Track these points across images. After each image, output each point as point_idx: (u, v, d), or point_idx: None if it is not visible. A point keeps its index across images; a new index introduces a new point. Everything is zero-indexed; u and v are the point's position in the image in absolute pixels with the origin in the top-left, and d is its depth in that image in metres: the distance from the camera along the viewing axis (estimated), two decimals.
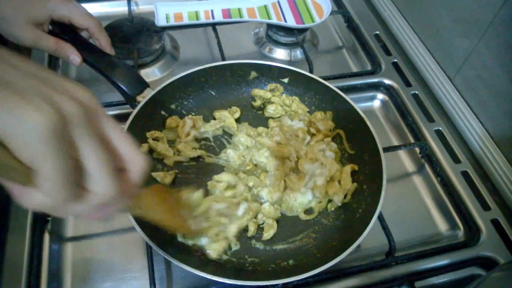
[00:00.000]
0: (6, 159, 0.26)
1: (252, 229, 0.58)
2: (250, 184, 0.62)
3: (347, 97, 0.66)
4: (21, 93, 0.26)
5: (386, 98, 0.82)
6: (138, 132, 0.62)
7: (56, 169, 0.27)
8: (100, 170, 0.29)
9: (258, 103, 0.72)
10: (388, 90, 0.82)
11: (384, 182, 0.57)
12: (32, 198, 0.29)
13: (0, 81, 0.26)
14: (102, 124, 0.30)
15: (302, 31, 0.87)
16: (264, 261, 0.57)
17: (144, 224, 0.51)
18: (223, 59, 0.77)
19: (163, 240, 0.52)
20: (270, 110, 0.71)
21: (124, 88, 0.64)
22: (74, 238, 0.60)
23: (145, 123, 0.64)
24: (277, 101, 0.71)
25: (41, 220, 0.59)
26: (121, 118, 0.70)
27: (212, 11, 0.86)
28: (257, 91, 0.71)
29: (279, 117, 0.71)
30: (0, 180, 0.28)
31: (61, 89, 0.28)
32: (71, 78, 0.79)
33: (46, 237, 0.59)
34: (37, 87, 0.27)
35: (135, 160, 0.32)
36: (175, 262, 0.48)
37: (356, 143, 0.67)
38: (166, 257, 0.49)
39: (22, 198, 0.29)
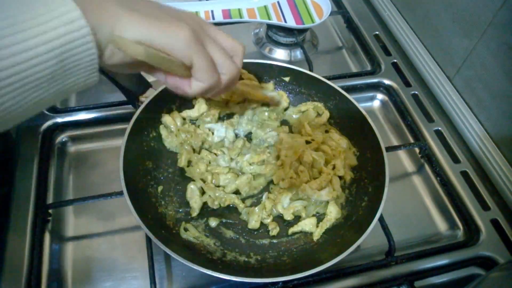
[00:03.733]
0: (171, 60, 0.41)
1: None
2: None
3: (349, 95, 0.67)
4: (164, 20, 0.39)
5: (386, 98, 0.82)
6: (141, 131, 0.62)
7: (204, 61, 0.42)
8: (223, 58, 0.45)
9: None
10: (387, 90, 0.82)
11: (387, 180, 0.57)
12: (192, 85, 0.45)
13: (149, 15, 0.39)
14: (212, 32, 0.46)
15: (302, 31, 0.87)
16: (268, 259, 0.57)
17: (150, 223, 0.52)
18: None
19: (166, 238, 0.52)
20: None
21: (127, 88, 0.64)
22: (75, 238, 0.60)
23: (148, 123, 0.64)
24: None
25: (41, 220, 0.59)
26: (124, 118, 0.70)
27: (212, 11, 0.86)
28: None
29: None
30: (168, 72, 0.43)
31: (182, 14, 0.43)
32: None
33: (47, 237, 0.59)
34: (170, 15, 0.41)
35: (237, 49, 0.48)
36: (179, 259, 0.48)
37: (357, 141, 0.67)
38: (172, 255, 0.49)
39: (184, 87, 0.45)
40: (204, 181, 0.62)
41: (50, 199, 0.63)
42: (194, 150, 0.66)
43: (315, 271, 0.49)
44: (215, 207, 0.60)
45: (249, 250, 0.58)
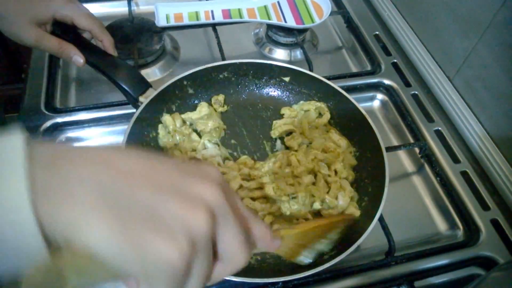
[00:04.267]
0: (107, 276, 0.26)
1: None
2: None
3: (348, 95, 0.67)
4: (152, 226, 0.25)
5: (386, 98, 0.82)
6: (141, 131, 0.62)
7: None
8: (198, 278, 0.28)
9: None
10: (387, 90, 0.82)
11: (387, 180, 0.57)
12: None
13: (124, 206, 0.25)
14: (222, 227, 0.28)
15: (302, 31, 0.87)
16: (268, 259, 0.57)
17: None
18: (223, 59, 0.78)
19: None
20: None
21: (127, 88, 0.64)
22: None
23: (147, 124, 0.64)
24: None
25: None
26: (124, 118, 0.70)
27: (212, 11, 0.86)
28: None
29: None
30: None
31: (192, 192, 0.27)
32: (71, 79, 0.80)
33: None
34: (167, 205, 0.26)
35: (265, 236, 0.33)
36: None
37: (357, 141, 0.67)
38: None
39: None
40: None
41: None
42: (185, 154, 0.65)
43: (315, 271, 0.49)
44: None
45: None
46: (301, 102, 0.72)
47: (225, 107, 0.72)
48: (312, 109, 0.70)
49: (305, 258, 0.45)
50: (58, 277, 0.24)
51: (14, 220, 0.23)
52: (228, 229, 0.29)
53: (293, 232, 0.41)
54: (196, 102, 0.71)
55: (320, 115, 0.71)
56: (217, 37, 0.82)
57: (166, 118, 0.66)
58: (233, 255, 0.30)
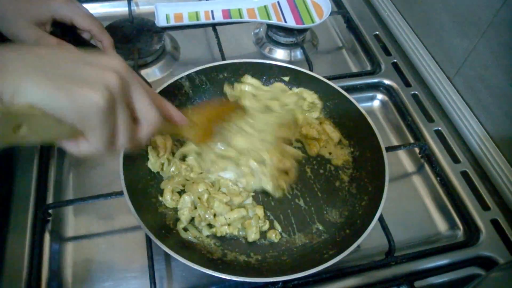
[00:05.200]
0: (59, 127, 0.33)
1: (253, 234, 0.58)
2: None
3: (348, 95, 0.67)
4: (77, 80, 0.33)
5: (386, 98, 0.82)
6: None
7: (105, 132, 0.36)
8: (124, 130, 0.37)
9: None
10: (387, 90, 0.82)
11: (387, 179, 0.57)
12: (80, 148, 0.37)
13: (58, 73, 0.32)
14: (132, 88, 0.38)
15: (302, 31, 0.87)
16: (268, 258, 0.57)
17: (148, 222, 0.52)
18: (223, 59, 0.78)
19: (166, 238, 0.52)
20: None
21: None
22: (75, 238, 0.60)
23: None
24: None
25: (41, 220, 0.59)
26: None
27: (212, 11, 0.86)
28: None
29: None
30: (50, 140, 0.36)
31: (103, 65, 0.35)
32: None
33: (47, 237, 0.59)
34: (87, 71, 0.34)
35: (149, 119, 0.40)
36: (179, 259, 0.48)
37: (357, 141, 0.67)
38: (172, 254, 0.49)
39: (69, 147, 0.37)
40: (199, 197, 0.59)
41: (50, 199, 0.63)
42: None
43: (315, 271, 0.49)
44: (200, 227, 0.58)
45: (249, 249, 0.58)
46: (301, 88, 0.72)
47: None
48: (307, 100, 0.71)
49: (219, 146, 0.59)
50: (10, 125, 0.31)
51: None
52: (138, 92, 0.38)
53: (194, 113, 0.52)
54: (197, 101, 0.71)
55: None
56: (217, 37, 0.82)
57: (157, 138, 0.62)
58: (147, 114, 0.39)
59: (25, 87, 0.31)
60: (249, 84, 0.71)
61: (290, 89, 0.72)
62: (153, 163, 0.62)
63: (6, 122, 0.31)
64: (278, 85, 0.72)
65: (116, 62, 0.37)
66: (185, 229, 0.58)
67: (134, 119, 0.39)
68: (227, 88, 0.70)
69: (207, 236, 0.58)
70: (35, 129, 0.32)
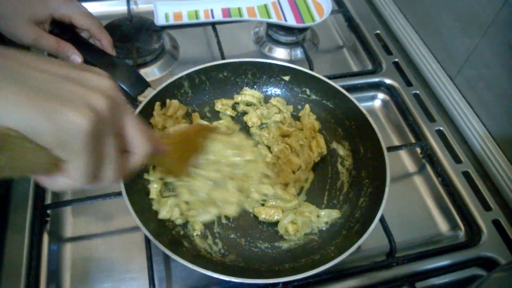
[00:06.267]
0: (38, 154, 0.28)
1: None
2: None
3: (349, 95, 0.66)
4: (60, 100, 0.28)
5: (387, 97, 0.81)
6: None
7: (88, 163, 0.30)
8: (110, 162, 0.33)
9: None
10: (389, 89, 0.82)
11: (388, 180, 0.56)
12: (57, 183, 0.32)
13: (38, 89, 0.28)
14: (120, 115, 0.33)
15: (302, 30, 0.86)
16: (267, 260, 0.57)
17: (150, 225, 0.51)
18: (223, 58, 0.77)
19: (166, 239, 0.52)
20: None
21: (125, 88, 0.63)
22: (73, 239, 0.60)
23: (146, 123, 0.64)
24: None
25: (40, 220, 0.59)
26: None
27: (211, 10, 0.86)
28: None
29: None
30: (25, 174, 0.30)
31: (90, 85, 0.31)
32: None
33: (45, 237, 0.59)
34: (72, 90, 0.29)
35: (140, 150, 0.36)
36: (178, 260, 0.48)
37: (358, 141, 0.66)
38: (171, 255, 0.48)
39: (46, 183, 0.32)
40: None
41: (48, 200, 0.62)
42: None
43: (316, 272, 0.49)
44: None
45: (250, 250, 0.57)
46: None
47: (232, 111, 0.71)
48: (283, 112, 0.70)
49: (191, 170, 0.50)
50: None
51: None
52: (129, 118, 0.34)
53: (173, 139, 0.47)
54: (196, 101, 0.70)
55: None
56: (217, 36, 0.82)
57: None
58: (140, 144, 0.35)
59: (5, 105, 0.26)
60: (248, 95, 0.70)
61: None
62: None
63: None
64: (274, 101, 0.71)
65: (106, 82, 0.32)
66: (185, 230, 0.58)
67: (122, 150, 0.35)
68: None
69: (207, 237, 0.58)
70: (12, 156, 0.27)
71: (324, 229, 0.60)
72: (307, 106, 0.72)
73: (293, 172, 0.64)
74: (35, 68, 0.29)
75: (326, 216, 0.60)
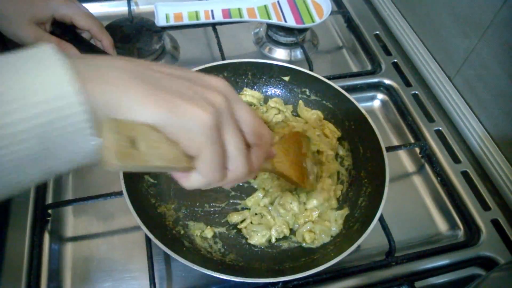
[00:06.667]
0: (169, 151, 0.31)
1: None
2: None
3: (349, 95, 0.66)
4: (182, 97, 0.30)
5: (386, 98, 0.82)
6: None
7: (214, 155, 0.32)
8: (237, 151, 0.34)
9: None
10: (388, 90, 0.82)
11: (387, 179, 0.57)
12: (191, 180, 0.35)
13: (162, 87, 0.30)
14: (237, 110, 0.35)
15: (302, 31, 0.87)
16: (267, 260, 0.57)
17: (150, 224, 0.51)
18: (223, 59, 0.77)
19: (166, 238, 0.52)
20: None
21: None
22: (74, 238, 0.60)
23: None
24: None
25: (41, 220, 0.59)
26: None
27: (212, 11, 0.86)
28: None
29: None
30: (165, 170, 0.32)
31: (206, 84, 0.33)
32: None
33: (46, 237, 0.59)
34: (191, 89, 0.32)
35: (262, 137, 0.37)
36: (179, 259, 0.48)
37: (358, 141, 0.67)
38: (171, 255, 0.48)
39: (182, 181, 0.35)
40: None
41: (49, 199, 0.63)
42: None
43: (315, 271, 0.49)
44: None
45: (249, 250, 0.58)
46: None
47: None
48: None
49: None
50: (123, 136, 0.28)
51: (61, 106, 0.26)
52: (245, 112, 0.35)
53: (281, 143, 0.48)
54: None
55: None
56: (217, 36, 0.82)
57: None
58: (260, 135, 0.36)
59: (127, 101, 0.29)
60: (249, 96, 0.71)
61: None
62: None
63: (118, 131, 0.28)
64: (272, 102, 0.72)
65: (221, 83, 0.35)
66: (185, 229, 0.58)
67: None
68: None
69: (207, 237, 0.58)
70: (149, 146, 0.29)
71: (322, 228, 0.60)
72: (300, 102, 0.72)
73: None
74: (153, 70, 0.32)
75: (339, 217, 0.60)
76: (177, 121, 0.30)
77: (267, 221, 0.59)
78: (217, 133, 0.32)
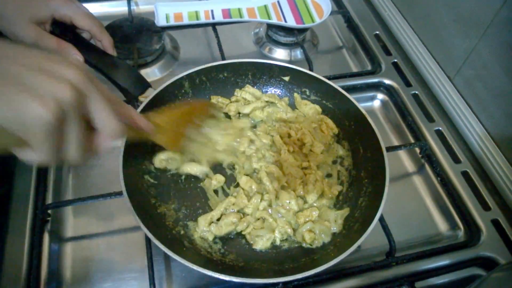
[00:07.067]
0: (4, 136, 0.33)
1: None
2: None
3: (348, 95, 0.66)
4: (27, 90, 0.31)
5: (386, 98, 0.82)
6: None
7: (48, 148, 0.34)
8: (76, 146, 0.36)
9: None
10: (388, 90, 0.82)
11: (387, 179, 0.57)
12: (27, 156, 0.36)
13: (5, 79, 0.31)
14: (89, 102, 0.36)
15: (302, 31, 0.87)
16: (267, 260, 0.57)
17: (150, 224, 0.51)
18: (223, 59, 0.77)
19: (166, 239, 0.52)
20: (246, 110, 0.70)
21: (126, 88, 0.64)
22: (74, 238, 0.60)
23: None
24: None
25: (41, 220, 0.59)
26: None
27: (212, 11, 0.86)
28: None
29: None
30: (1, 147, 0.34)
31: (59, 75, 0.33)
32: None
33: (46, 237, 0.59)
34: (39, 81, 0.32)
35: (108, 127, 0.38)
36: (179, 259, 0.48)
37: (358, 141, 0.67)
38: (171, 255, 0.48)
39: (19, 154, 0.36)
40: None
41: (49, 199, 0.62)
42: None
43: (316, 272, 0.49)
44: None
45: (249, 250, 0.58)
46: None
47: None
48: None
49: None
50: None
51: None
52: (96, 102, 0.36)
53: (162, 117, 0.49)
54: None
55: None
56: (217, 36, 0.82)
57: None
58: (106, 124, 0.37)
59: None
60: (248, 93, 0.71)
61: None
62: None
63: None
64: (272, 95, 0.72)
65: (72, 71, 0.34)
66: (185, 230, 0.58)
67: (92, 128, 0.38)
68: None
69: (207, 238, 0.58)
70: None
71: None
72: (296, 95, 0.72)
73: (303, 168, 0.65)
74: (15, 62, 0.32)
75: (339, 217, 0.60)
76: (14, 116, 0.31)
77: (269, 224, 0.58)
78: (56, 129, 0.33)
